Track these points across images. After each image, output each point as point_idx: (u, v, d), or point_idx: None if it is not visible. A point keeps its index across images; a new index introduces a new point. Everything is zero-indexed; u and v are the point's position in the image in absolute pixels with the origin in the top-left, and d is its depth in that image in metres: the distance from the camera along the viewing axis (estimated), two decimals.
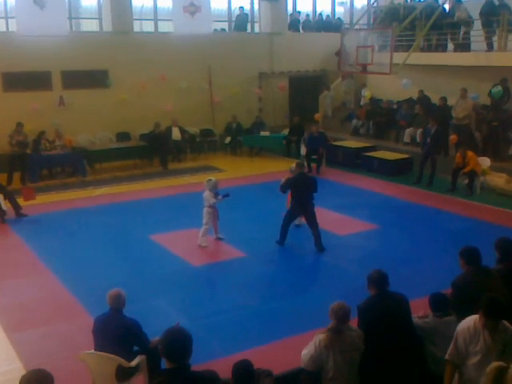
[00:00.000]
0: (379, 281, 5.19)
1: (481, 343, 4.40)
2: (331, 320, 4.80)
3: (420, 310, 5.60)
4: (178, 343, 3.53)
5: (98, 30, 17.56)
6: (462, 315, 4.74)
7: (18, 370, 5.90)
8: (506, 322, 4.46)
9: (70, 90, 16.22)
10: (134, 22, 17.74)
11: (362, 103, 19.39)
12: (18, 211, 11.62)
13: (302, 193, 9.58)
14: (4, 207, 11.43)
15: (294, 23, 21.04)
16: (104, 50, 16.47)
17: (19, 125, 14.40)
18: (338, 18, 22.53)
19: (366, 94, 18.83)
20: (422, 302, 5.65)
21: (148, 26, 18.81)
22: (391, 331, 4.95)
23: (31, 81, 15.67)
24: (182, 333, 3.63)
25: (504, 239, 5.72)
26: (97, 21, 17.60)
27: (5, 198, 11.55)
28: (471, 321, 4.49)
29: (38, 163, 14.64)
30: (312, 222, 9.61)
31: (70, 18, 17.11)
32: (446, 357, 4.57)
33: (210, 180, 9.99)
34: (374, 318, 5.03)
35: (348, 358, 4.72)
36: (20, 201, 11.80)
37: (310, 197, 9.60)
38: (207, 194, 9.89)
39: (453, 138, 14.73)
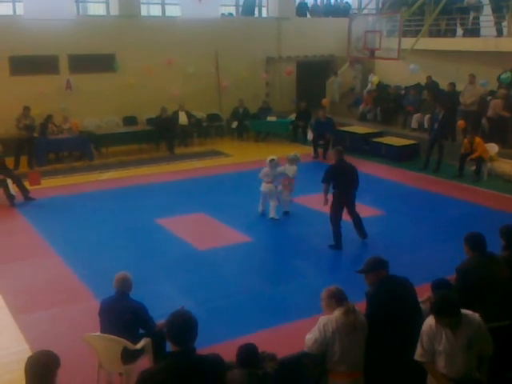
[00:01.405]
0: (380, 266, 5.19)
1: (444, 341, 4.37)
2: (329, 305, 4.80)
3: (424, 294, 5.61)
4: (183, 327, 3.55)
5: (105, 13, 17.50)
6: (466, 301, 4.73)
7: (25, 351, 5.96)
8: (472, 315, 4.40)
9: (77, 74, 16.21)
10: (141, 5, 17.67)
11: (367, 89, 19.25)
12: (25, 195, 11.68)
13: (344, 182, 9.07)
14: (12, 191, 11.49)
15: (302, 7, 20.89)
16: (111, 34, 16.43)
17: (26, 108, 14.42)
18: (346, 3, 22.33)
19: (374, 79, 18.73)
20: (426, 288, 5.65)
21: (155, 10, 18.72)
22: (398, 315, 4.95)
23: (38, 65, 15.66)
24: (187, 316, 3.64)
25: (509, 226, 5.69)
26: (104, 4, 17.52)
27: (13, 183, 11.62)
28: (433, 318, 4.45)
29: (45, 147, 14.66)
30: (353, 212, 9.27)
31: (77, 2, 17.02)
32: (415, 357, 4.55)
33: (273, 159, 10.32)
34: (383, 302, 5.03)
35: (354, 339, 4.73)
36: (26, 185, 11.86)
37: (351, 185, 9.09)
38: (270, 171, 10.24)
39: (460, 123, 14.67)
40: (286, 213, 10.73)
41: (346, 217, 9.33)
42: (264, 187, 10.35)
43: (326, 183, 9.12)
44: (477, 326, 4.37)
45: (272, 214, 10.35)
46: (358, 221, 9.39)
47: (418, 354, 4.55)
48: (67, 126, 15.20)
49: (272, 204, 10.37)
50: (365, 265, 5.22)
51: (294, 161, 10.67)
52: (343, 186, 9.08)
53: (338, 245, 9.17)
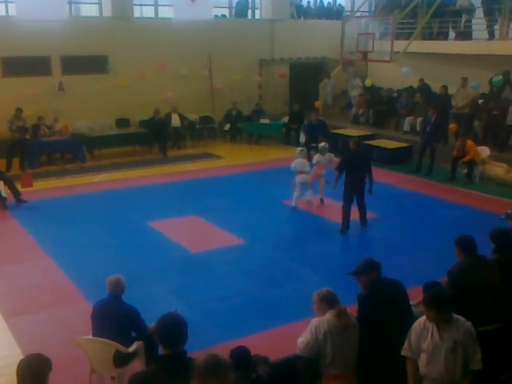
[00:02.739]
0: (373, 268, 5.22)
1: (428, 340, 4.40)
2: (320, 309, 4.81)
3: (417, 297, 5.62)
4: (173, 329, 3.55)
5: (98, 15, 17.45)
6: (457, 304, 4.75)
7: (17, 355, 5.92)
8: (463, 321, 4.41)
9: (70, 76, 16.16)
10: (134, 7, 17.62)
11: (353, 94, 19.17)
12: (17, 197, 11.62)
13: (355, 170, 9.86)
14: (4, 194, 11.43)
15: (300, 9, 20.96)
16: (104, 36, 16.39)
17: (18, 110, 14.38)
18: (339, 5, 22.39)
19: (367, 82, 18.76)
20: (418, 290, 5.67)
21: (148, 12, 18.70)
22: (390, 318, 4.96)
23: (30, 66, 15.59)
24: (176, 319, 3.64)
25: (499, 230, 5.70)
26: (96, 5, 17.47)
27: (5, 185, 11.56)
28: (424, 316, 4.49)
29: (38, 149, 14.61)
30: (361, 200, 9.99)
31: (70, 3, 16.97)
32: (402, 352, 4.59)
33: (302, 150, 11.58)
34: (374, 305, 5.04)
35: (346, 341, 4.74)
36: (18, 187, 11.81)
37: (363, 175, 9.88)
38: (303, 162, 11.24)
39: (452, 126, 14.72)
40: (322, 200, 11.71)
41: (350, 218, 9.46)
42: (302, 178, 11.11)
43: (339, 171, 10.04)
44: (466, 331, 4.36)
45: (309, 197, 11.44)
46: (363, 210, 10.09)
47: (404, 348, 4.59)
48: (57, 128, 15.14)
49: (309, 191, 11.42)
50: (357, 267, 5.23)
51: (324, 151, 11.78)
52: (355, 174, 9.87)
53: (344, 227, 9.92)
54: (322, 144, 12.12)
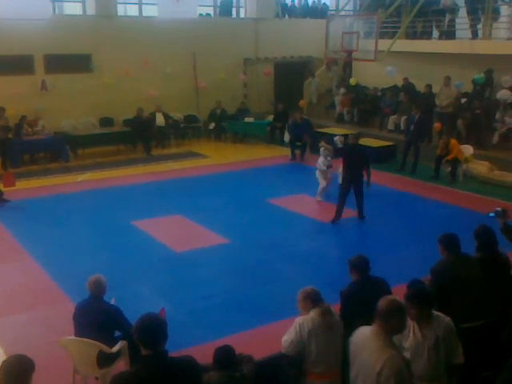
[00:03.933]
0: (361, 266, 5.26)
1: (410, 338, 4.41)
2: (305, 307, 4.81)
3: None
4: (151, 329, 3.51)
5: (82, 13, 17.33)
6: (440, 302, 4.78)
7: None
8: (443, 316, 4.44)
9: (53, 75, 16.02)
10: (118, 5, 17.55)
11: (337, 99, 19.18)
12: (0, 197, 11.51)
13: (352, 164, 10.19)
14: None
15: (284, 7, 21.00)
16: (87, 34, 16.26)
17: (1, 109, 14.25)
18: (324, 4, 22.41)
19: (351, 80, 18.81)
20: (402, 289, 5.68)
21: (132, 10, 18.60)
22: (371, 316, 4.97)
23: (13, 65, 15.40)
24: (155, 319, 3.61)
25: (483, 228, 5.73)
26: (80, 4, 17.35)
27: None
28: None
29: (20, 148, 14.47)
30: (358, 192, 10.26)
31: (53, 1, 16.82)
32: None
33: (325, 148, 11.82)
34: (357, 303, 5.06)
35: (330, 339, 4.73)
36: (1, 186, 11.69)
37: (359, 168, 10.20)
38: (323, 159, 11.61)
39: (436, 125, 14.80)
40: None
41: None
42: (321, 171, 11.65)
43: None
44: (446, 327, 4.39)
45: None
46: (360, 201, 10.34)
47: None
48: (38, 128, 15.01)
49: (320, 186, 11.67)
50: (353, 258, 5.33)
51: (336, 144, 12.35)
52: (352, 166, 10.20)
53: (336, 217, 10.26)
54: (336, 137, 12.69)
